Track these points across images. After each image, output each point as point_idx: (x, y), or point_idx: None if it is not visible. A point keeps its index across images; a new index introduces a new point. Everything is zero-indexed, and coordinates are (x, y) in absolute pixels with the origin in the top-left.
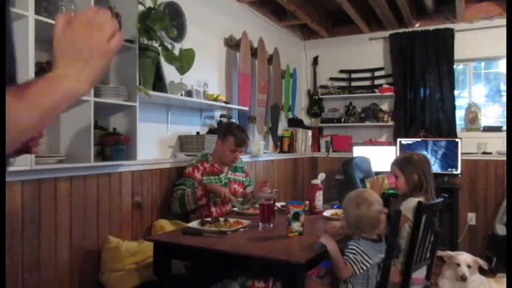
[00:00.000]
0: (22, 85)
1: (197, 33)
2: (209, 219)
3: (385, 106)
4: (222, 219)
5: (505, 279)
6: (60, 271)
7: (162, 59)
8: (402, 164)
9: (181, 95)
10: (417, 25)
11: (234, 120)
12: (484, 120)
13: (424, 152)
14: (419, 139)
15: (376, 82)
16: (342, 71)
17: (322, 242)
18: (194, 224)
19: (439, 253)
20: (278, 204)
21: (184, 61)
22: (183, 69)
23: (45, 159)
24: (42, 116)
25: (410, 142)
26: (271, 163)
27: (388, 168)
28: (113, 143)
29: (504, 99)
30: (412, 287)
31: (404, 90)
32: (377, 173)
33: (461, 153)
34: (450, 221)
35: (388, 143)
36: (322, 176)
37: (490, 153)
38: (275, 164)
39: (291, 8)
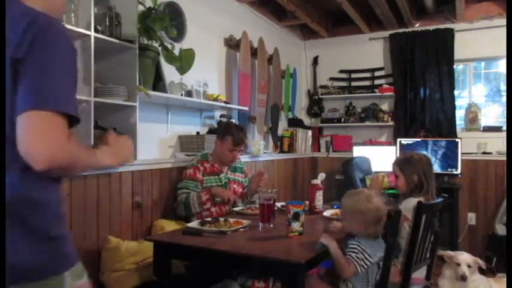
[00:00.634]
0: (88, 147)
1: (197, 33)
2: (209, 219)
3: (385, 106)
4: (222, 219)
5: (505, 279)
6: None
7: (162, 59)
8: (402, 164)
9: (181, 95)
10: (417, 25)
11: (233, 120)
12: (484, 120)
13: (424, 152)
14: (419, 139)
15: (376, 82)
16: (342, 71)
17: (323, 242)
18: (194, 224)
19: (439, 253)
20: (278, 204)
21: (184, 61)
22: (183, 69)
23: None
24: (88, 166)
25: (410, 142)
26: (271, 163)
27: (388, 169)
28: None
29: (504, 99)
30: (412, 287)
31: (404, 90)
32: (377, 173)
33: (461, 153)
34: (450, 221)
35: (388, 143)
36: (322, 176)
37: (490, 153)
38: (275, 164)
39: (291, 8)
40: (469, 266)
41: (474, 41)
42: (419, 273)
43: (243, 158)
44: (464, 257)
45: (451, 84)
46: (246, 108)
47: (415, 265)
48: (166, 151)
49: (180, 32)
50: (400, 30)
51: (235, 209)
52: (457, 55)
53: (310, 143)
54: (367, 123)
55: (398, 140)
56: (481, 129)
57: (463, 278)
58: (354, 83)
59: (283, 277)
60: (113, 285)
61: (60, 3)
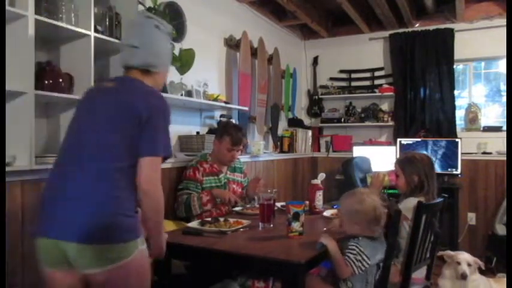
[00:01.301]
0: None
1: (197, 33)
2: (209, 219)
3: (385, 106)
4: (222, 219)
5: (505, 279)
6: None
7: None
8: (403, 163)
9: (181, 95)
10: (417, 25)
11: (233, 120)
12: (484, 120)
13: (424, 152)
14: (419, 139)
15: (376, 82)
16: (342, 71)
17: (323, 242)
18: (194, 224)
19: (439, 253)
20: (278, 204)
21: (184, 61)
22: (183, 69)
23: (45, 159)
24: (158, 220)
25: (410, 142)
26: (271, 163)
27: (387, 169)
28: None
29: (504, 99)
30: (412, 287)
31: (404, 90)
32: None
33: (461, 153)
34: (450, 221)
35: (388, 143)
36: (322, 176)
37: (490, 153)
38: (275, 164)
39: (291, 8)
40: (469, 265)
41: (474, 41)
42: (419, 273)
43: (243, 158)
44: (464, 256)
45: (451, 84)
46: (246, 108)
47: (415, 265)
48: None
49: (180, 32)
50: (400, 30)
51: (235, 209)
52: (457, 55)
53: (310, 143)
54: (367, 123)
55: (398, 140)
56: (481, 129)
57: (463, 277)
58: (354, 83)
59: (283, 277)
60: None
61: (161, 83)
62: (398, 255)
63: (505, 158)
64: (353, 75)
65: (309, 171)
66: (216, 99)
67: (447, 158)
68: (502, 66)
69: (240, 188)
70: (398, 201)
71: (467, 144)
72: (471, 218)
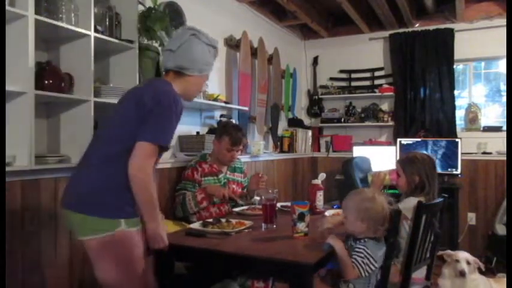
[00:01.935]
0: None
1: None
2: (211, 220)
3: (385, 106)
4: (223, 220)
5: (505, 279)
6: (60, 271)
7: (162, 59)
8: (405, 163)
9: None
10: (417, 25)
11: (233, 120)
12: (484, 120)
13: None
14: (419, 139)
15: (376, 82)
16: (342, 71)
17: (330, 242)
18: (196, 225)
19: (439, 252)
20: (278, 205)
21: None
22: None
23: (45, 159)
24: (150, 204)
25: (410, 142)
26: (271, 163)
27: (388, 168)
28: None
29: (504, 99)
30: (412, 287)
31: (404, 90)
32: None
33: (461, 153)
34: (450, 221)
35: (388, 143)
36: (322, 176)
37: (490, 153)
38: (275, 164)
39: (291, 8)
40: (468, 263)
41: (474, 41)
42: (419, 273)
43: (243, 158)
44: (464, 255)
45: (451, 84)
46: (246, 108)
47: (415, 265)
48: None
49: None
50: (400, 30)
51: (235, 209)
52: (457, 55)
53: (310, 143)
54: (367, 123)
55: (398, 140)
56: (481, 129)
57: (462, 274)
58: (354, 83)
59: (291, 278)
60: None
61: (195, 89)
62: (398, 255)
63: (505, 158)
64: (353, 75)
65: (309, 171)
66: (216, 99)
67: (447, 158)
68: (502, 66)
69: (240, 188)
70: (399, 201)
71: (467, 144)
72: (471, 218)
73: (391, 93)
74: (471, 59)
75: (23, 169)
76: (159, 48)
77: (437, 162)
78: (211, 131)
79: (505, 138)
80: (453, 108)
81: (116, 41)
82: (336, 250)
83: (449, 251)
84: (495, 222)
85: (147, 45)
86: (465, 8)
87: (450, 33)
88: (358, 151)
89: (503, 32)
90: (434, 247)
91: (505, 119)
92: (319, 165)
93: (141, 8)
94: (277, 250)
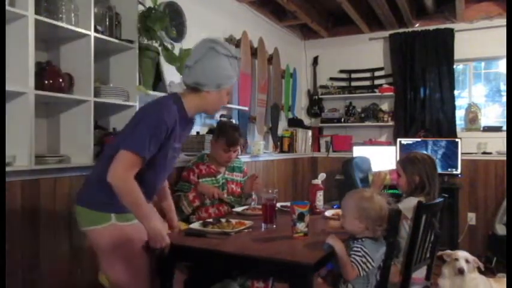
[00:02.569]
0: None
1: (197, 33)
2: (210, 220)
3: (385, 106)
4: (223, 220)
5: (505, 279)
6: (60, 271)
7: (162, 59)
8: (405, 163)
9: None
10: (417, 25)
11: (233, 120)
12: (484, 120)
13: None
14: (419, 139)
15: (376, 82)
16: (342, 71)
17: (330, 242)
18: (196, 225)
19: (439, 252)
20: (278, 205)
21: (184, 61)
22: (183, 69)
23: (45, 159)
24: (134, 206)
25: (410, 142)
26: (271, 163)
27: (388, 168)
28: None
29: (504, 99)
30: (412, 287)
31: (404, 90)
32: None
33: (461, 153)
34: (450, 221)
35: (388, 143)
36: (322, 176)
37: (490, 153)
38: (275, 164)
39: (291, 8)
40: (467, 262)
41: (474, 41)
42: (419, 273)
43: (243, 158)
44: (463, 254)
45: (451, 84)
46: (246, 108)
47: (415, 265)
48: None
49: (180, 32)
50: (400, 30)
51: (235, 209)
52: (457, 55)
53: (310, 143)
54: (367, 123)
55: (398, 140)
56: (481, 129)
57: (461, 272)
58: (354, 83)
59: (291, 278)
60: None
61: (215, 103)
62: (398, 255)
63: (505, 158)
64: (353, 75)
65: (309, 171)
66: None
67: (447, 158)
68: (502, 66)
69: (239, 187)
70: (399, 201)
71: (467, 144)
72: (471, 218)
73: (391, 93)
74: (471, 59)
75: (23, 169)
76: (159, 48)
77: (437, 162)
78: (211, 131)
79: (505, 138)
80: (453, 108)
81: (116, 41)
82: (336, 250)
83: (448, 251)
84: (495, 222)
85: (147, 45)
86: (465, 8)
87: (450, 33)
88: (358, 151)
89: (503, 32)
90: (434, 247)
91: (505, 119)
92: (319, 165)
93: (141, 8)
94: (277, 250)
